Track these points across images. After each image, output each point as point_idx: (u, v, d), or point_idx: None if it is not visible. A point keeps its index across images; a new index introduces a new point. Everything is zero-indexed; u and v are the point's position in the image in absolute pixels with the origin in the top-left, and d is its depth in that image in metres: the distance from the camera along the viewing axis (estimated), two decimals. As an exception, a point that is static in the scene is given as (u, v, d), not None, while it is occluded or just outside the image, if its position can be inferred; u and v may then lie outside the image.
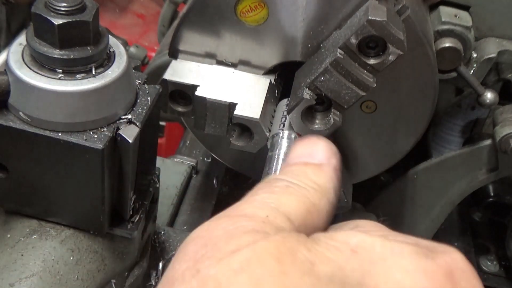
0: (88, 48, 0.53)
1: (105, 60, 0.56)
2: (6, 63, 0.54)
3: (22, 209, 0.60)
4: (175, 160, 1.05)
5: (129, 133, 0.55)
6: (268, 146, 0.69)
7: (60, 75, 0.53)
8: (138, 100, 0.59)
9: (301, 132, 0.67)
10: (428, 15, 0.86)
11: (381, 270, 0.38)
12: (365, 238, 0.40)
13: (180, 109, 0.73)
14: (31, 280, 0.55)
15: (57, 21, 0.51)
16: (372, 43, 0.61)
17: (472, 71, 0.87)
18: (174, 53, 0.73)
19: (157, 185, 0.68)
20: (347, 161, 0.82)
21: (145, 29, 2.09)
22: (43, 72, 0.53)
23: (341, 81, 0.62)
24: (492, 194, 1.12)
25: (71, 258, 0.59)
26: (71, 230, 0.61)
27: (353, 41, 0.60)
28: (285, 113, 0.69)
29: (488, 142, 0.89)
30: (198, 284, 0.36)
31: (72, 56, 0.52)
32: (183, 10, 0.86)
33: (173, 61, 0.73)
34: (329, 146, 0.50)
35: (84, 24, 0.52)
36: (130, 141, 0.55)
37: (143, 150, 0.59)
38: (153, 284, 0.72)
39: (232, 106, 0.68)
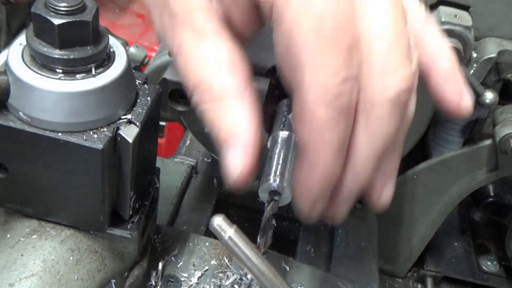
0: (88, 48, 0.53)
1: (105, 60, 0.56)
2: (6, 63, 0.54)
3: (22, 209, 0.60)
4: (175, 160, 1.05)
5: (129, 133, 0.55)
6: (268, 146, 0.68)
7: (60, 75, 0.52)
8: (138, 100, 0.59)
9: (301, 132, 0.67)
10: (428, 15, 0.86)
11: None
12: None
13: (180, 108, 0.73)
14: (31, 280, 0.55)
15: (57, 21, 0.51)
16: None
17: (472, 71, 0.87)
18: (174, 53, 0.73)
19: (157, 185, 0.68)
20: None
21: (145, 29, 2.09)
22: (43, 72, 0.52)
23: (341, 81, 0.62)
24: (492, 194, 1.11)
25: (71, 258, 0.59)
26: (71, 230, 0.61)
27: (353, 41, 0.60)
28: (285, 113, 0.68)
29: (488, 142, 0.89)
30: None
31: (72, 56, 0.52)
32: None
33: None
34: None
35: (84, 24, 0.52)
36: (130, 141, 0.55)
37: (143, 150, 0.59)
38: (153, 284, 0.72)
39: (232, 106, 0.68)
